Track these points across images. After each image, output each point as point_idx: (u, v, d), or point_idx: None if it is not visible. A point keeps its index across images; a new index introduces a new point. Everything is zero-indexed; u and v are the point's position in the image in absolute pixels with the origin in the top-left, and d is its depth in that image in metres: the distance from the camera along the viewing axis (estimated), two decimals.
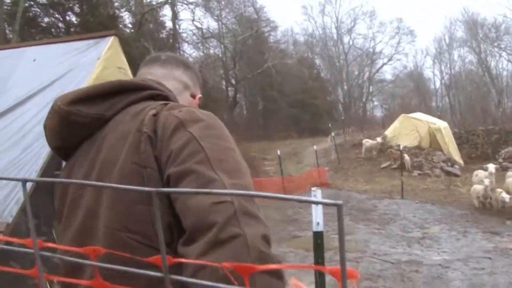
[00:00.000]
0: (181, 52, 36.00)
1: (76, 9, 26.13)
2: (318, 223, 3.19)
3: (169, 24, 36.64)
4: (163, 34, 35.37)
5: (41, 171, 4.89)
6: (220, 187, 1.03)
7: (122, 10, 31.73)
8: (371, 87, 57.71)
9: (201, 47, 42.65)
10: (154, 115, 1.21)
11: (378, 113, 57.54)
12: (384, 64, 57.23)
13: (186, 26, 48.67)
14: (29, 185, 4.64)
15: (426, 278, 7.03)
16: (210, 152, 1.10)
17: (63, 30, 25.00)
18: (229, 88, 44.07)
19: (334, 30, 57.18)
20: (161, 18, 35.97)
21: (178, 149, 1.11)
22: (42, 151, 4.95)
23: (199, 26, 40.13)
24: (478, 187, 12.49)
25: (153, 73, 1.51)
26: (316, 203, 0.52)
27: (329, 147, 24.97)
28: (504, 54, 48.92)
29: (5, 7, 21.18)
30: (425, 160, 20.66)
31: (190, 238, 1.02)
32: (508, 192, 11.82)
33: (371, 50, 57.00)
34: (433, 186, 17.16)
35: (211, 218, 0.99)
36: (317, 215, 3.18)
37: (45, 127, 1.37)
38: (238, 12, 43.92)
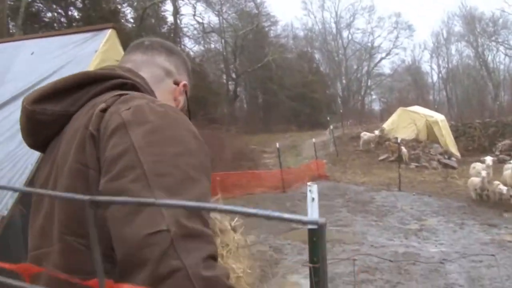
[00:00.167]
0: (182, 47, 36.10)
1: (79, 4, 26.21)
2: None
3: (170, 19, 36.76)
4: (164, 29, 35.31)
5: (37, 164, 4.78)
6: (154, 212, 0.90)
7: (124, 5, 31.63)
8: (369, 81, 57.50)
9: (202, 42, 42.85)
10: (102, 110, 1.10)
11: (376, 106, 57.57)
12: (382, 58, 57.03)
13: (187, 21, 49.16)
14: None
15: (423, 271, 6.91)
16: (148, 166, 0.96)
17: (65, 24, 25.01)
18: (229, 82, 44.11)
19: (333, 25, 56.91)
20: (162, 13, 36.07)
21: (112, 158, 1.00)
22: None
23: (200, 21, 40.39)
24: (475, 179, 12.44)
25: (133, 60, 1.42)
26: (293, 221, 0.39)
27: (328, 139, 24.89)
28: (501, 48, 48.81)
29: (9, 2, 20.97)
30: (422, 152, 20.64)
31: (125, 272, 0.91)
32: (505, 185, 11.77)
33: (369, 44, 56.78)
34: (430, 178, 17.12)
35: (144, 254, 0.88)
36: (313, 211, 3.00)
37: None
38: (238, 7, 43.83)
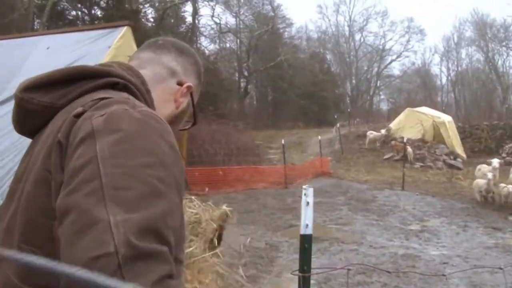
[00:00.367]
0: (198, 45, 36.88)
1: (102, 3, 26.83)
2: (307, 225, 2.54)
3: (189, 19, 37.15)
4: (183, 28, 35.76)
5: None
6: (103, 231, 0.80)
7: (146, 5, 32.36)
8: (378, 82, 57.75)
9: (218, 41, 43.40)
10: (77, 115, 1.01)
11: (384, 106, 57.40)
12: (392, 60, 57.22)
13: (205, 21, 49.75)
14: None
15: (422, 274, 6.44)
16: (107, 178, 0.86)
17: (87, 23, 25.88)
18: (241, 80, 44.82)
19: (346, 28, 57.37)
20: (182, 14, 36.61)
21: (74, 170, 0.90)
22: None
23: (218, 21, 40.82)
24: (480, 181, 12.14)
25: (140, 57, 1.35)
26: None
27: (334, 137, 24.93)
28: None
29: (36, 0, 21.78)
30: (427, 152, 20.50)
31: None
32: None
33: (381, 47, 57.11)
34: (434, 179, 16.86)
35: None
36: (307, 216, 2.54)
37: None
38: (255, 10, 44.44)
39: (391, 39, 58.99)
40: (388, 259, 7.21)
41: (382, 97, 59.73)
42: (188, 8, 37.27)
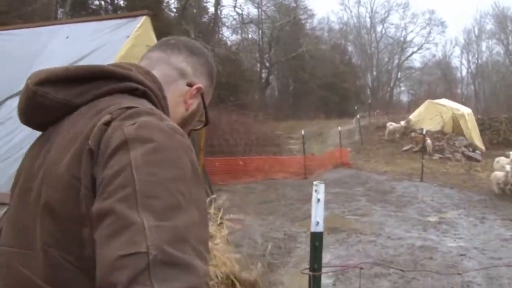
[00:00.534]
0: (220, 36, 36.96)
1: None
2: (317, 223, 2.48)
3: (211, 9, 36.82)
4: (205, 18, 35.63)
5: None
6: (137, 233, 0.80)
7: None
8: (399, 74, 57.30)
9: (240, 32, 43.23)
10: (106, 123, 0.98)
11: (404, 98, 57.09)
12: (413, 52, 56.80)
13: (227, 11, 49.84)
14: None
15: (439, 266, 6.37)
16: (140, 185, 0.86)
17: (110, 12, 25.87)
18: (262, 70, 44.66)
19: (368, 20, 57.09)
20: (204, 4, 36.20)
21: (109, 177, 0.89)
22: None
23: (240, 12, 40.52)
24: (498, 174, 11.96)
25: (149, 57, 1.31)
26: None
27: (354, 128, 24.85)
28: None
29: None
30: (446, 144, 20.30)
31: None
32: None
33: (402, 39, 56.71)
34: (453, 170, 16.66)
35: (112, 277, 0.78)
36: (317, 213, 2.48)
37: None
38: (278, 0, 44.04)
39: (412, 31, 58.42)
40: (406, 251, 7.10)
41: (402, 88, 59.48)
42: None
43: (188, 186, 0.92)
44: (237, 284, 4.11)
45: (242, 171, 13.97)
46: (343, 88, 42.97)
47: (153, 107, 1.10)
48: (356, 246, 7.36)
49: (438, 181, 14.12)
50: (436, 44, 73.63)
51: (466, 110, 22.90)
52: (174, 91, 1.26)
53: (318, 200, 2.50)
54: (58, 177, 0.97)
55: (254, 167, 14.40)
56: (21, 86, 1.13)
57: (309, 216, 7.97)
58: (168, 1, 31.27)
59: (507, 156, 12.85)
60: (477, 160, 18.93)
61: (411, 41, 56.37)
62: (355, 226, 8.71)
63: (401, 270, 5.39)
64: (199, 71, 1.32)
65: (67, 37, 5.85)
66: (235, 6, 39.49)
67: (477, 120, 24.01)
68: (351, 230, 8.29)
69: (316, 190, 2.51)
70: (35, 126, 1.19)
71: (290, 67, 42.95)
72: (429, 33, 55.80)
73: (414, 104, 32.86)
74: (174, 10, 32.07)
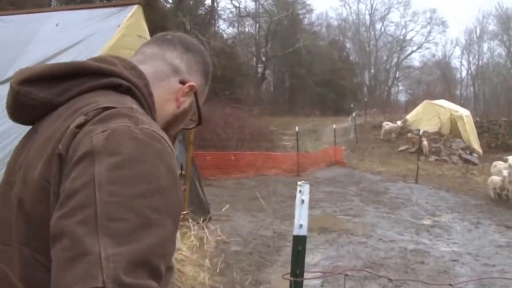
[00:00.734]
0: (216, 28, 36.68)
1: None
2: (301, 225, 2.35)
3: (208, 1, 36.55)
4: (201, 10, 35.40)
5: None
6: (94, 264, 0.79)
7: None
8: (397, 72, 57.42)
9: (236, 25, 43.01)
10: (78, 126, 0.97)
11: (402, 97, 57.31)
12: (413, 51, 56.86)
13: (224, 4, 49.59)
14: None
15: (431, 271, 6.35)
16: (102, 207, 0.84)
17: (105, 1, 24.90)
18: (259, 65, 44.64)
19: (367, 17, 56.95)
20: None
21: (71, 191, 0.87)
22: None
23: (237, 5, 40.16)
24: (495, 178, 11.93)
25: (143, 52, 1.30)
26: None
27: (349, 126, 24.83)
28: None
29: None
30: (443, 146, 20.31)
31: None
32: None
33: (401, 37, 56.67)
34: (449, 173, 16.71)
35: None
36: (301, 215, 2.35)
37: None
38: None
39: (412, 29, 58.02)
40: (397, 254, 7.06)
41: (400, 88, 59.65)
42: None
43: (162, 196, 0.91)
44: None
45: (234, 166, 13.92)
46: (340, 85, 43.00)
47: (135, 106, 1.08)
48: (347, 247, 7.31)
49: (434, 184, 14.12)
50: (436, 44, 73.94)
51: (464, 112, 22.89)
52: (165, 87, 1.24)
53: (303, 201, 2.36)
54: (33, 179, 0.98)
55: (246, 163, 14.36)
56: (9, 74, 1.07)
57: None
58: None
59: (505, 161, 12.74)
60: (474, 164, 18.95)
61: (411, 39, 56.43)
62: (347, 226, 8.67)
63: (389, 279, 5.28)
64: (193, 69, 1.30)
65: (57, 25, 5.81)
66: None
67: (476, 122, 24.05)
68: (342, 231, 8.24)
69: (300, 191, 2.39)
70: (23, 123, 1.19)
71: (287, 62, 42.96)
72: (430, 32, 55.88)
73: (412, 104, 32.94)
74: (170, 1, 31.90)
